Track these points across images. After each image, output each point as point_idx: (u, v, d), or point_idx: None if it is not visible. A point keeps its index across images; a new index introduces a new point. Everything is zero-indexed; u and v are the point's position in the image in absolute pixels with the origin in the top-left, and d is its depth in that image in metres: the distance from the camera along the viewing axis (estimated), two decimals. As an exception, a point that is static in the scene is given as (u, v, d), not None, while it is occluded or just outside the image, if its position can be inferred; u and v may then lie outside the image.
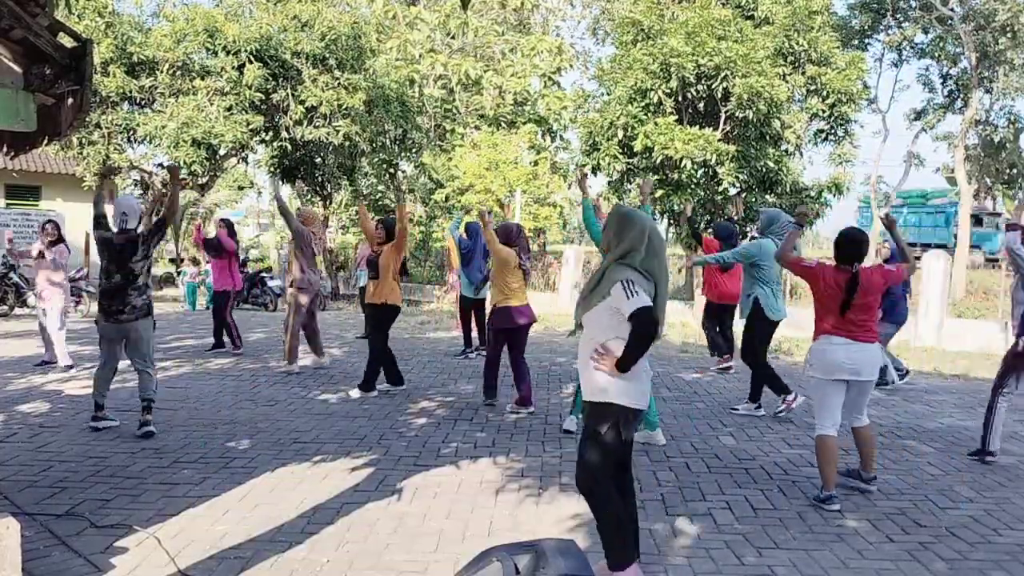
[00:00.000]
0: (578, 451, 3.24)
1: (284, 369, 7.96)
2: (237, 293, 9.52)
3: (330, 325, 12.62)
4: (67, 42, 3.39)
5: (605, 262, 3.22)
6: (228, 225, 9.42)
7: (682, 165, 13.90)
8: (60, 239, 7.88)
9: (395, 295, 6.98)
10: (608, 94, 15.60)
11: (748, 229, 16.44)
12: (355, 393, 6.89)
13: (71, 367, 7.80)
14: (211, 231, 9.85)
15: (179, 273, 21.05)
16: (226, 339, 9.20)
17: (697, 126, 14.21)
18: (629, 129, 14.31)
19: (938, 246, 22.92)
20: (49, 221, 8.12)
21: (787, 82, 14.39)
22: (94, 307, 13.95)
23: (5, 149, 3.65)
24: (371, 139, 16.25)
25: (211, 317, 9.47)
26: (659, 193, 15.12)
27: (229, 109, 14.40)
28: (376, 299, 6.95)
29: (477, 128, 19.57)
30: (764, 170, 14.99)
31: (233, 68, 14.34)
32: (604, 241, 3.27)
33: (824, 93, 15.00)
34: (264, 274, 16.39)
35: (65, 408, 6.25)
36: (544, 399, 7.05)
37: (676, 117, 14.27)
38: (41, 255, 7.69)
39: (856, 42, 27.39)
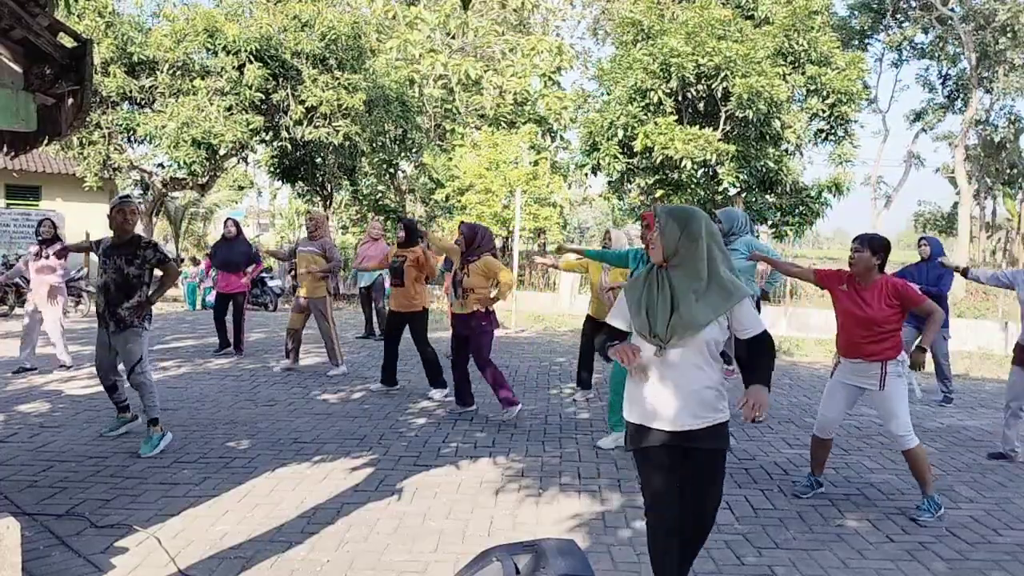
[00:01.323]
0: (710, 485, 2.85)
1: (338, 372, 7.86)
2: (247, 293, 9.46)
3: (330, 325, 12.62)
4: (67, 42, 3.39)
5: (702, 269, 2.76)
6: (237, 224, 9.24)
7: (682, 165, 13.91)
8: (56, 238, 7.84)
9: (421, 299, 6.86)
10: (608, 94, 15.61)
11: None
12: (438, 394, 6.83)
13: (70, 366, 7.78)
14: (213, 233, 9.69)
15: (179, 273, 21.02)
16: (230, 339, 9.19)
17: (697, 126, 14.22)
18: (629, 129, 14.33)
19: None
20: (45, 219, 8.08)
21: (787, 82, 14.40)
22: (94, 307, 13.98)
23: (5, 149, 3.65)
24: (371, 139, 16.25)
25: (215, 318, 9.23)
26: (659, 193, 15.14)
27: (229, 109, 14.40)
28: (403, 308, 6.81)
29: (477, 128, 19.57)
30: (764, 170, 15.01)
31: (233, 68, 14.35)
32: (671, 244, 2.78)
33: (824, 93, 15.02)
34: (264, 274, 16.37)
35: (65, 408, 6.25)
36: (544, 399, 7.05)
37: (676, 117, 14.29)
38: (38, 255, 7.68)
39: (856, 42, 27.42)
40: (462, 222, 6.27)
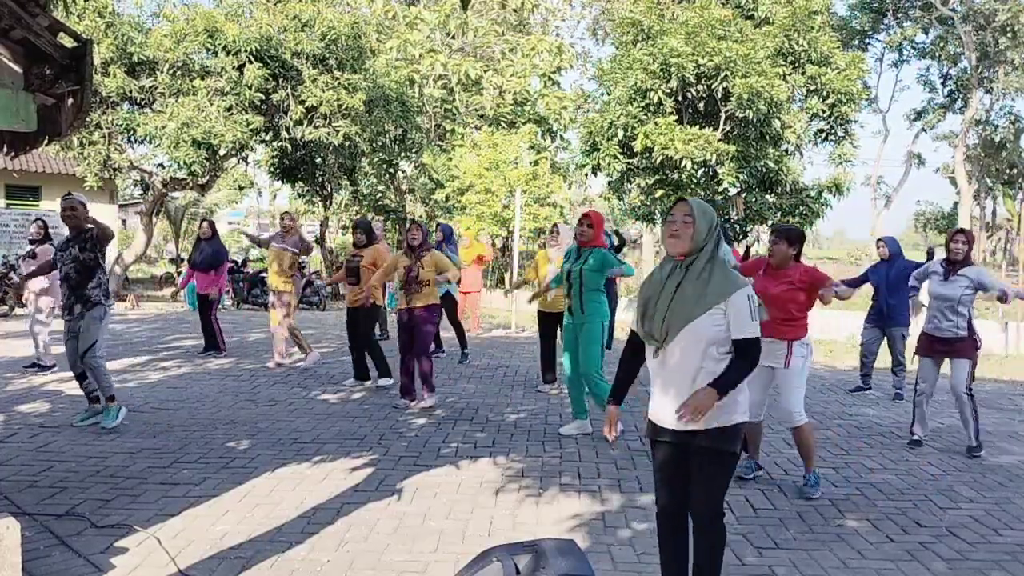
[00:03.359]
0: (702, 484, 2.77)
1: (308, 363, 8.23)
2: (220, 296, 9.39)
3: (330, 325, 12.63)
4: (67, 42, 3.39)
5: (710, 263, 2.75)
6: (212, 225, 9.32)
7: (682, 165, 13.90)
8: (47, 238, 7.86)
9: (374, 295, 7.42)
10: (608, 94, 15.59)
11: (748, 229, 16.48)
12: (384, 381, 7.27)
13: (54, 367, 7.78)
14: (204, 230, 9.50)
15: (179, 273, 21.04)
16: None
17: (697, 126, 14.21)
18: (629, 129, 14.31)
19: None
20: (37, 219, 8.11)
21: (787, 82, 14.38)
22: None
23: (5, 149, 3.65)
24: (371, 139, 16.24)
25: (200, 319, 9.27)
26: (659, 193, 15.13)
27: (229, 109, 14.39)
28: (355, 303, 7.34)
29: (477, 128, 19.57)
30: (764, 170, 14.99)
31: (233, 68, 14.34)
32: (700, 238, 2.76)
33: (824, 93, 14.99)
34: (264, 274, 16.37)
35: (65, 408, 6.25)
36: (544, 399, 7.05)
37: (676, 117, 14.26)
38: (29, 256, 7.74)
39: (856, 42, 27.41)
40: (413, 221, 6.71)
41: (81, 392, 5.85)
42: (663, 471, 2.90)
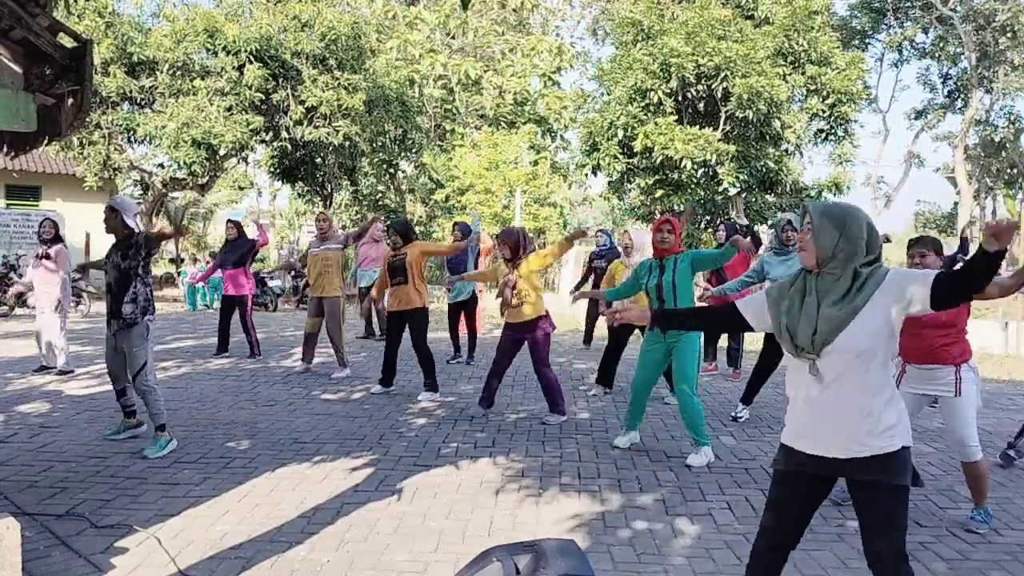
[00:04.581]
0: (879, 522, 2.43)
1: (342, 375, 7.86)
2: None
3: (330, 325, 12.62)
4: (67, 42, 3.39)
5: (839, 268, 2.42)
6: (238, 226, 9.18)
7: (682, 165, 13.91)
8: (57, 238, 7.79)
9: (422, 298, 6.81)
10: (608, 94, 15.62)
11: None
12: (428, 398, 6.77)
13: (70, 372, 7.67)
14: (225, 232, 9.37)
15: (179, 273, 21.04)
16: (244, 341, 9.13)
17: (697, 126, 14.23)
18: (629, 129, 14.33)
19: None
20: (46, 219, 8.03)
21: (787, 82, 14.40)
22: (94, 307, 13.99)
23: (5, 149, 3.65)
24: (371, 139, 16.26)
25: (219, 319, 9.16)
26: (659, 193, 15.15)
27: (229, 109, 14.40)
28: (403, 307, 6.75)
29: (477, 128, 19.58)
30: (764, 170, 15.01)
31: (233, 68, 14.35)
32: (826, 247, 2.41)
33: (824, 93, 15.02)
34: (264, 274, 16.38)
35: (65, 408, 6.25)
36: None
37: (676, 117, 14.29)
38: (40, 256, 7.64)
39: (856, 42, 27.41)
40: (500, 236, 6.05)
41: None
42: (782, 509, 2.63)
